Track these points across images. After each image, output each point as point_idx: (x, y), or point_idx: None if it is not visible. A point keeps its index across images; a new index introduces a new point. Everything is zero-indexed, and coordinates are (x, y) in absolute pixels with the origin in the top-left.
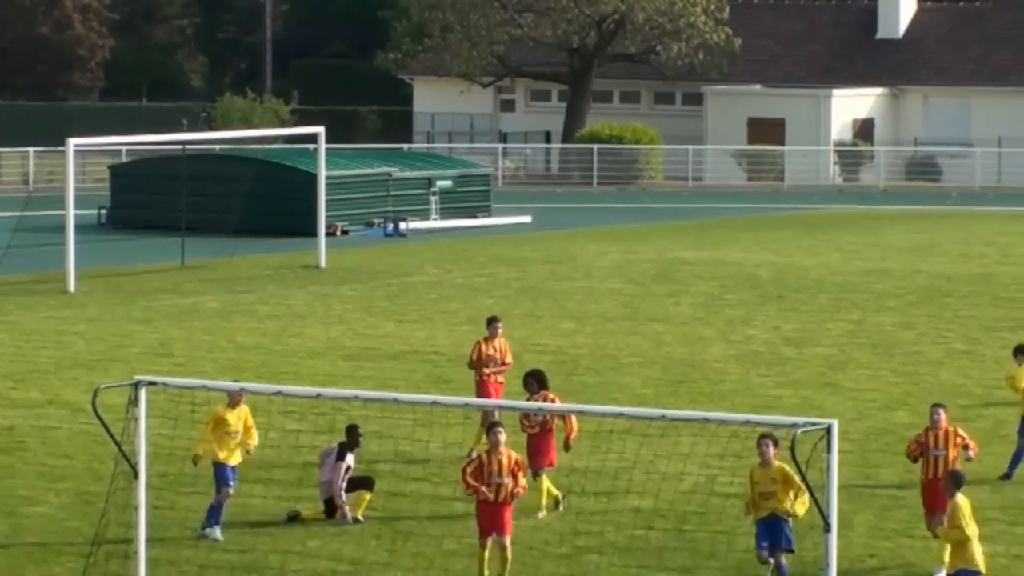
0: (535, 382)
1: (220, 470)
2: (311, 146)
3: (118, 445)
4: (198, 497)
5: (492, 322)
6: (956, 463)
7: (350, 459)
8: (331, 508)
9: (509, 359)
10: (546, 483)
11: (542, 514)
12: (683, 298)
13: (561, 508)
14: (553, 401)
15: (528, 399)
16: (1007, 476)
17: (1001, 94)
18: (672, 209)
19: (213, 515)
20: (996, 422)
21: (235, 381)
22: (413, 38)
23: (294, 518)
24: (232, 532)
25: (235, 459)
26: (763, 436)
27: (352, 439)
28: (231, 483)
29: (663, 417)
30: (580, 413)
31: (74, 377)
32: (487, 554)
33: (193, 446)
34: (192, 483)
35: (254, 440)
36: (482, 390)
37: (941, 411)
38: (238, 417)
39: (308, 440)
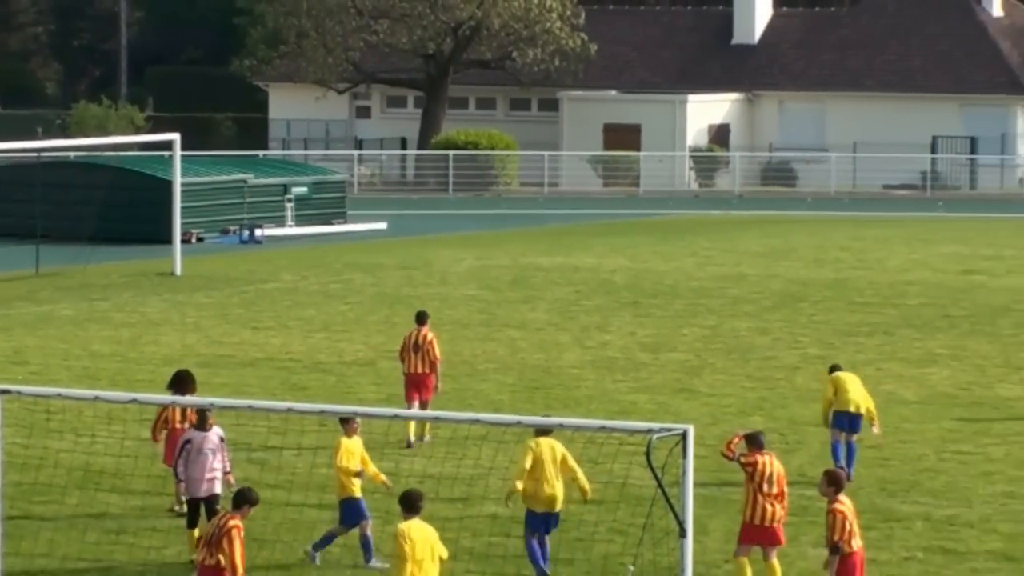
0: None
1: (356, 505)
2: (166, 153)
3: None
4: (53, 506)
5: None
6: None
7: (215, 436)
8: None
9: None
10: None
11: None
12: (539, 304)
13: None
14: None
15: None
16: (847, 478)
17: (856, 99)
18: (528, 215)
19: (366, 548)
20: None
21: (90, 390)
22: (268, 45)
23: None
24: (88, 540)
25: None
26: None
27: (203, 417)
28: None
29: (519, 423)
30: (436, 420)
31: None
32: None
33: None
34: (46, 492)
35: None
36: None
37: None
38: (359, 445)
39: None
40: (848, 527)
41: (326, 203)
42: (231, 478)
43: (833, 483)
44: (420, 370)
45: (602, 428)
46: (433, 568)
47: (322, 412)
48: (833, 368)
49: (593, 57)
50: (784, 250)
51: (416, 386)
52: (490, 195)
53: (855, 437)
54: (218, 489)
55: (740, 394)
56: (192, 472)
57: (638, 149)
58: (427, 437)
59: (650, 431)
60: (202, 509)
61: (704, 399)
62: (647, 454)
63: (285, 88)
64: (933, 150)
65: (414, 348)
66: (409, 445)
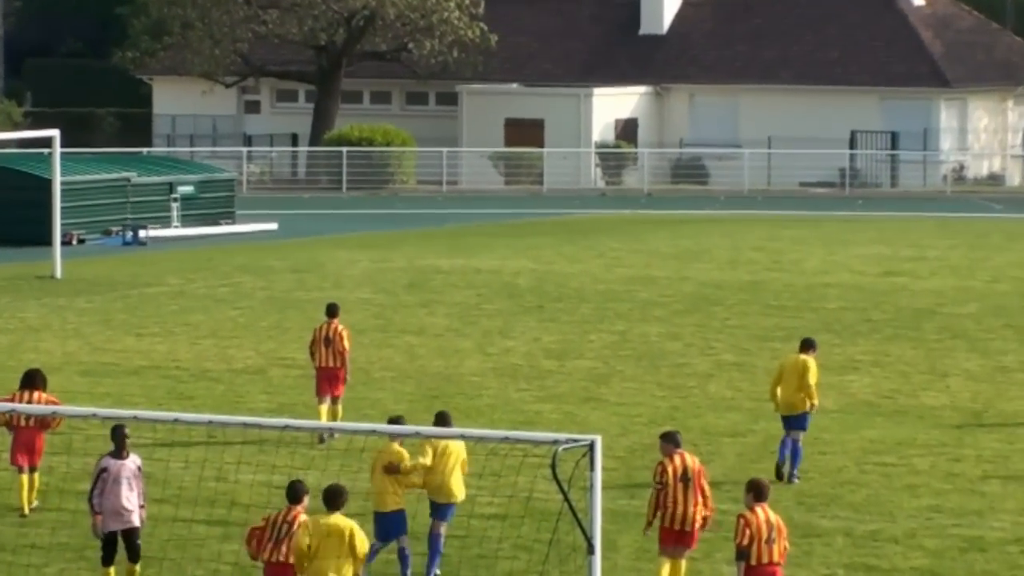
0: None
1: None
2: (45, 150)
3: None
4: None
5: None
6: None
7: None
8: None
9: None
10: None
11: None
12: (437, 308)
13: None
14: None
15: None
16: (791, 477)
17: (770, 92)
18: (425, 215)
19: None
20: (767, 437)
21: None
22: (152, 36)
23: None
24: None
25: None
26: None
27: (119, 441)
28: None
29: (417, 434)
30: (330, 431)
31: None
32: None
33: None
34: None
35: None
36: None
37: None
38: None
39: (44, 462)
40: (751, 533)
41: (213, 203)
42: (144, 513)
43: (750, 490)
44: (331, 364)
45: (505, 439)
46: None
47: (210, 423)
48: (802, 343)
49: (494, 48)
50: (696, 251)
51: (327, 380)
52: (386, 194)
53: (800, 436)
54: (136, 522)
55: (651, 403)
56: (108, 503)
57: (541, 145)
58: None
59: (556, 442)
60: (120, 542)
61: (613, 408)
62: (552, 466)
63: (170, 81)
64: (852, 146)
65: (325, 342)
66: (321, 440)
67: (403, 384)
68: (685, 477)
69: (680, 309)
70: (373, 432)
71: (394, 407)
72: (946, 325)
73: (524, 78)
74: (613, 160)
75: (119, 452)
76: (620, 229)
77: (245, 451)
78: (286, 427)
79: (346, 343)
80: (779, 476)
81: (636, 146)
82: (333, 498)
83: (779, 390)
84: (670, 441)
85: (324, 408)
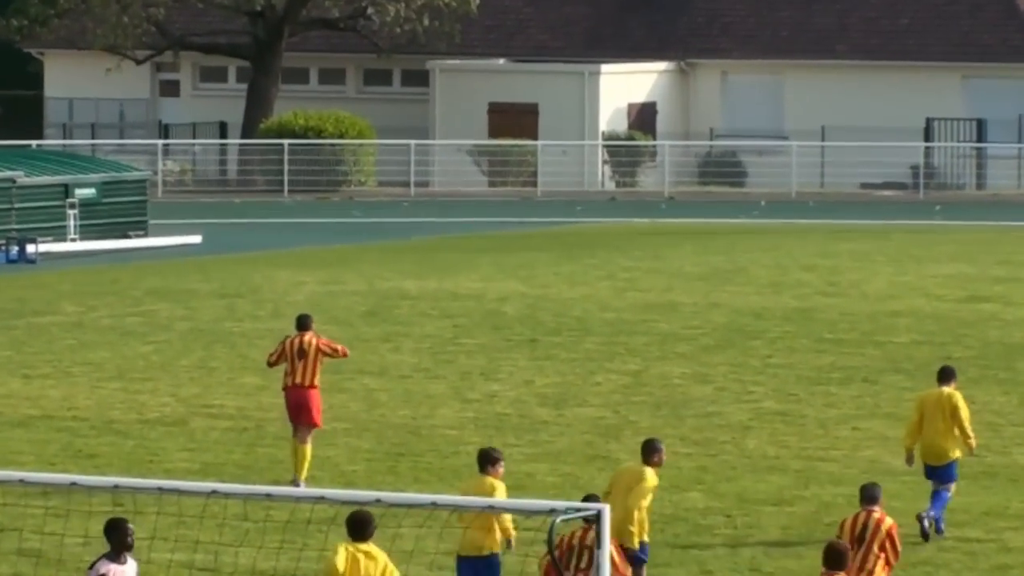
0: None
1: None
2: None
3: None
4: None
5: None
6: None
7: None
8: None
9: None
10: None
11: None
12: (403, 343)
13: None
14: None
15: None
16: (937, 526)
17: (824, 69)
18: (389, 224)
19: None
20: (820, 504)
21: None
22: (44, 1)
23: None
24: None
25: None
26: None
27: (119, 539)
28: None
29: (378, 501)
30: (267, 498)
31: None
32: None
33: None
34: None
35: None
36: None
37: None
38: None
39: None
40: None
41: (121, 209)
42: None
43: (827, 558)
44: (304, 381)
45: (489, 508)
46: None
47: (116, 487)
48: (941, 373)
49: (475, 15)
50: (730, 271)
51: (299, 406)
52: (339, 198)
53: (951, 488)
54: None
55: (672, 462)
56: None
57: (535, 137)
58: (302, 482)
59: (553, 512)
60: None
61: None
62: (549, 542)
63: (66, 57)
64: (927, 137)
65: (299, 354)
66: (296, 482)
67: (360, 438)
68: (862, 537)
69: (709, 344)
70: (322, 499)
71: (349, 468)
72: None
73: (513, 52)
74: (625, 156)
75: (118, 554)
76: (634, 243)
77: (161, 523)
78: (213, 493)
79: (336, 345)
80: (924, 536)
81: (654, 138)
82: (361, 526)
83: (917, 435)
84: (864, 495)
85: (299, 446)
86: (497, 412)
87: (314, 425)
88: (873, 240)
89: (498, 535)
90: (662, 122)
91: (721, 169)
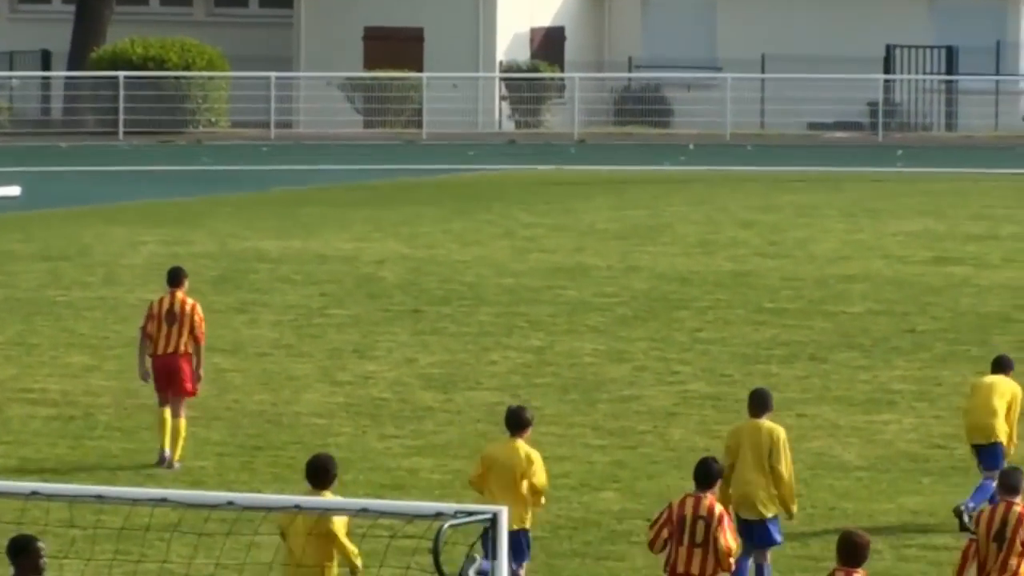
0: None
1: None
2: None
3: None
4: None
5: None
6: None
7: None
8: None
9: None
10: None
11: None
12: (261, 314)
13: None
14: None
15: None
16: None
17: None
18: (245, 173)
19: None
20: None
21: None
22: None
23: None
24: None
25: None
26: None
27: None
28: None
29: (231, 504)
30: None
31: None
32: None
33: None
34: None
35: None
36: None
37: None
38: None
39: None
40: None
41: None
42: None
43: (842, 550)
44: (174, 348)
45: (363, 511)
46: None
47: None
48: (996, 363)
49: None
50: (652, 228)
51: (168, 375)
52: (184, 142)
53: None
54: None
55: (583, 456)
56: None
57: (420, 69)
58: (176, 463)
59: (440, 516)
60: None
61: None
62: (435, 552)
63: None
64: (888, 69)
65: (167, 318)
66: (162, 460)
67: (209, 429)
68: (1001, 535)
69: (627, 315)
70: (163, 502)
71: (198, 464)
72: None
73: None
74: (527, 91)
75: None
76: (537, 195)
77: None
78: (33, 495)
79: (201, 324)
80: (962, 527)
81: (562, 70)
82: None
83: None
84: (1004, 483)
85: (167, 411)
86: (373, 397)
87: (187, 394)
88: (822, 191)
89: (528, 512)
90: (571, 50)
91: (642, 107)
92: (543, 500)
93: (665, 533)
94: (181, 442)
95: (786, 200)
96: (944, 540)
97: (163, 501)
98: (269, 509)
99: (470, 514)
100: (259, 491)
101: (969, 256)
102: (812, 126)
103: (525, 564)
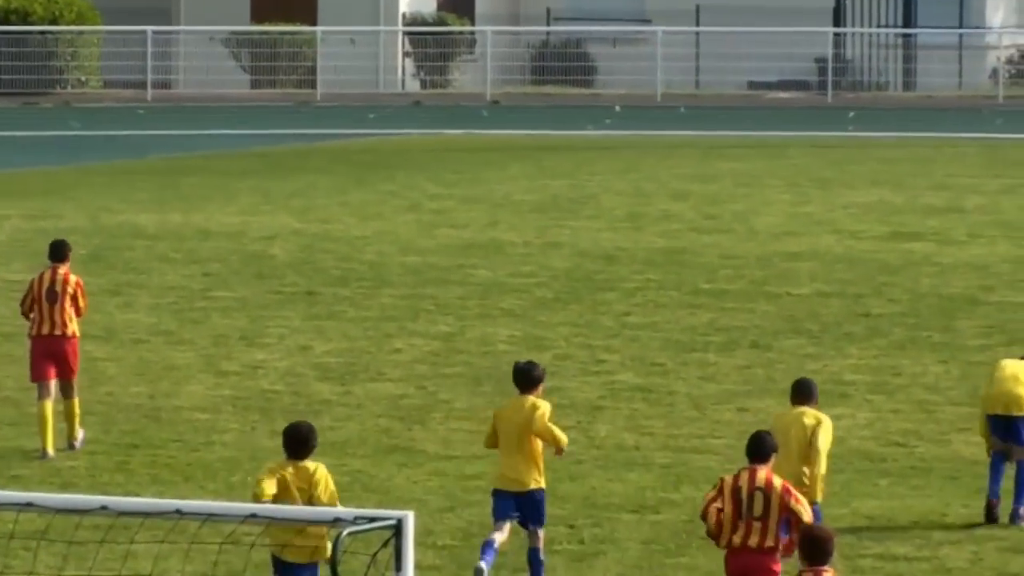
0: None
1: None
2: None
3: None
4: None
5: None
6: None
7: None
8: None
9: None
10: None
11: None
12: (137, 297)
13: None
14: None
15: None
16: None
17: None
18: (118, 139)
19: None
20: (695, 511)
21: None
22: None
23: None
24: None
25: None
26: None
27: None
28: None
29: (104, 509)
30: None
31: None
32: None
33: None
34: None
35: None
36: None
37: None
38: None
39: None
40: None
41: None
42: None
43: (805, 548)
44: (58, 330)
45: (252, 517)
46: None
47: None
48: None
49: None
50: (574, 200)
51: (52, 355)
52: (51, 104)
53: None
54: None
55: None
56: None
57: (314, 22)
58: (79, 441)
59: (338, 522)
60: None
61: (433, 465)
62: (333, 564)
63: None
64: (838, 21)
65: (49, 296)
66: (44, 456)
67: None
68: None
69: (546, 298)
70: (29, 507)
71: (68, 464)
72: (996, 323)
73: None
74: (434, 46)
75: None
76: (445, 163)
77: None
78: None
79: (82, 300)
80: (991, 517)
81: (472, 23)
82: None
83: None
84: None
85: (48, 406)
86: (263, 389)
87: (70, 381)
88: (765, 158)
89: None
90: (482, 2)
91: (562, 64)
92: (563, 443)
93: (719, 505)
94: (78, 420)
95: (724, 168)
96: (904, 550)
97: (28, 506)
98: (146, 514)
99: (372, 520)
100: (136, 494)
101: (930, 231)
102: (753, 85)
103: (541, 532)
